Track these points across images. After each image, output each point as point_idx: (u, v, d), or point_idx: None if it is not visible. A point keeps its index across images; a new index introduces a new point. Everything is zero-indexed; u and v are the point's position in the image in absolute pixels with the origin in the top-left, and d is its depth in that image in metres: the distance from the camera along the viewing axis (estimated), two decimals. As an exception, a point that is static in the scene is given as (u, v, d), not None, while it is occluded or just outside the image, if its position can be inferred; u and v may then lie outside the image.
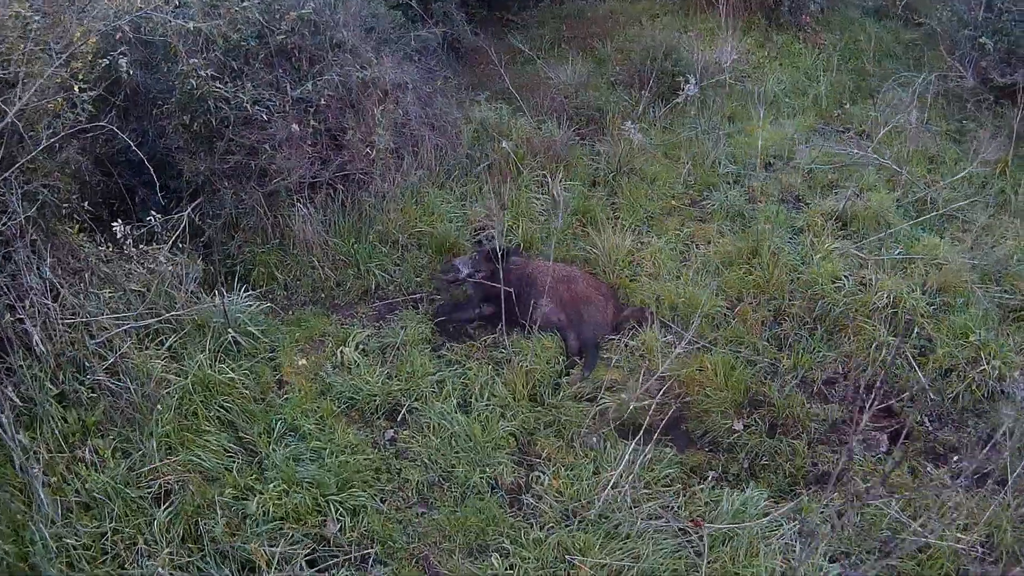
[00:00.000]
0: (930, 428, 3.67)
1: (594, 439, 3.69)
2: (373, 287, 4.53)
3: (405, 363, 3.96)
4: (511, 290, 4.11)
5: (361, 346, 4.06)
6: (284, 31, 4.27)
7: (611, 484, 3.30)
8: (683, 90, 5.25)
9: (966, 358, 3.74)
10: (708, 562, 3.03)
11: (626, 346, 4.15)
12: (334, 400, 3.75)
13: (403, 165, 4.89)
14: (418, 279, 4.62)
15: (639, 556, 3.08)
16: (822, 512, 3.31)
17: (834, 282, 4.25)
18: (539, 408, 3.83)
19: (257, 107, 4.17)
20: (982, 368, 3.65)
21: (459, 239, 4.80)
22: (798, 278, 4.33)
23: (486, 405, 3.78)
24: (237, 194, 4.33)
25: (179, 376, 3.57)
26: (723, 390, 3.84)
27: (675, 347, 4.10)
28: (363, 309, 4.42)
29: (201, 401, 3.52)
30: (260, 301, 4.17)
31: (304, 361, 3.91)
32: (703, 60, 5.90)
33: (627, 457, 3.38)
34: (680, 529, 3.23)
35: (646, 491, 3.38)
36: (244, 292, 4.14)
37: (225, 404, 3.57)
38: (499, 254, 4.32)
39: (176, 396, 3.50)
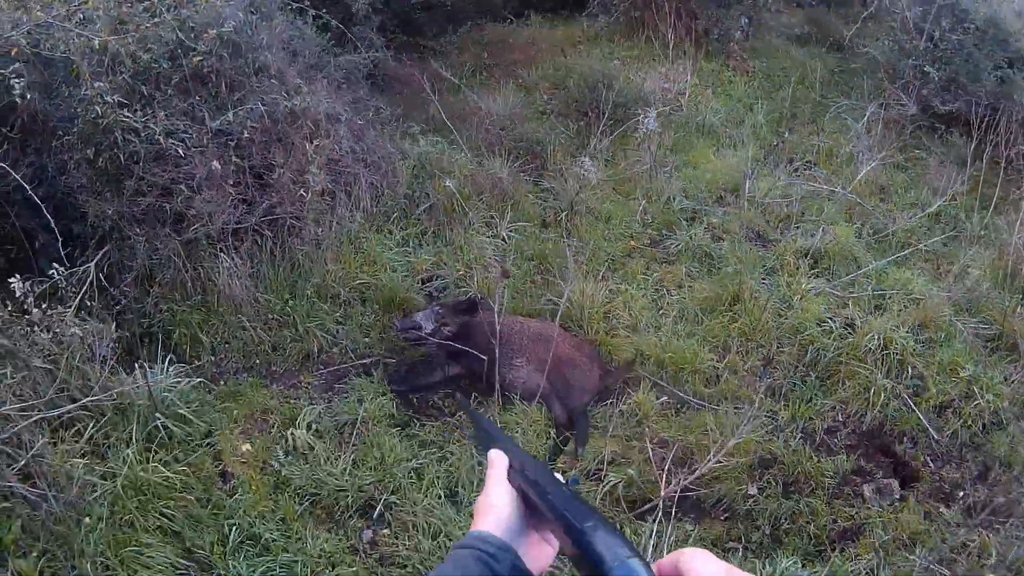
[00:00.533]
0: (933, 467, 4.28)
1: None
2: (315, 351, 4.48)
3: (371, 447, 3.92)
4: (485, 349, 4.19)
5: (314, 425, 3.99)
6: (201, 52, 4.15)
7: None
8: (642, 122, 5.70)
9: (958, 393, 4.37)
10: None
11: (620, 412, 4.45)
12: (294, 496, 3.66)
13: (338, 208, 4.88)
14: (366, 340, 4.59)
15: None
16: (853, 571, 3.81)
17: (819, 324, 4.81)
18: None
19: (171, 140, 4.03)
20: (976, 402, 4.31)
21: (408, 291, 4.83)
22: (783, 323, 4.85)
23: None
24: (150, 242, 4.21)
25: (106, 479, 3.42)
26: (732, 453, 4.24)
27: (672, 409, 4.53)
28: (307, 378, 4.35)
29: (136, 508, 3.38)
30: (187, 374, 4.02)
31: (248, 447, 3.78)
32: (653, 90, 6.40)
33: (650, 541, 3.68)
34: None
35: None
36: (168, 362, 3.99)
37: (165, 510, 3.43)
38: (467, 306, 4.41)
39: (106, 503, 3.34)
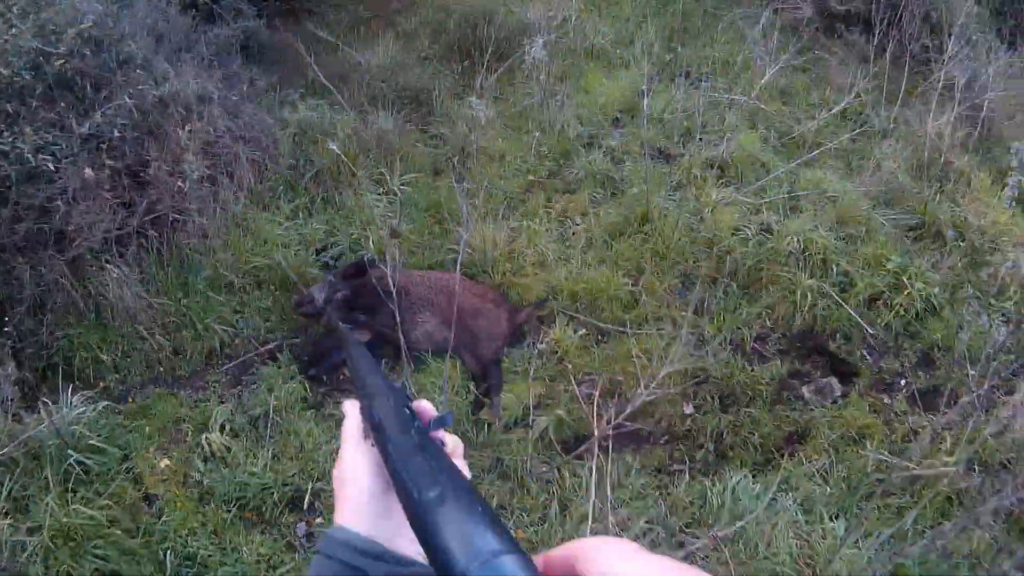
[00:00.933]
0: (871, 360, 4.24)
1: (544, 469, 3.75)
2: (218, 346, 4.33)
3: (288, 435, 3.85)
4: (380, 309, 4.08)
5: (227, 426, 3.87)
6: (63, 55, 4.03)
7: (589, 517, 3.38)
8: (528, 54, 5.50)
9: (887, 285, 4.40)
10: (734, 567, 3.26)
11: (539, 352, 4.26)
12: (220, 505, 3.58)
13: (220, 192, 4.69)
14: (267, 324, 4.46)
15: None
16: (805, 474, 3.72)
17: (734, 233, 4.73)
18: (471, 451, 3.80)
19: (41, 156, 3.88)
20: (906, 292, 4.31)
21: (303, 266, 4.65)
22: (697, 237, 4.76)
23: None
24: (35, 268, 4.06)
25: (33, 534, 3.31)
26: (663, 383, 4.10)
27: (593, 341, 4.35)
28: (213, 376, 4.22)
29: (70, 556, 3.28)
30: (93, 399, 3.88)
31: (167, 462, 3.70)
32: (537, 19, 6.21)
33: (592, 479, 3.48)
34: (679, 543, 3.43)
35: (625, 512, 3.52)
36: (71, 391, 3.82)
37: (98, 551, 3.32)
38: (355, 269, 4.24)
39: (38, 559, 3.26)
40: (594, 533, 3.35)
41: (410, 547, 0.86)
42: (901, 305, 4.30)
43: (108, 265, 4.19)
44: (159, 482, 3.63)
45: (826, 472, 3.73)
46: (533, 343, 4.35)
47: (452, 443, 0.95)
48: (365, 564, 0.82)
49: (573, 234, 4.99)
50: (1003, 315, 4.25)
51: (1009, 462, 3.66)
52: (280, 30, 6.55)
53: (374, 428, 0.86)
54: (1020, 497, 3.47)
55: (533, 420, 3.91)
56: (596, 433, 3.55)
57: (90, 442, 3.62)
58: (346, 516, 0.86)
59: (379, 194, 5.14)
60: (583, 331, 4.36)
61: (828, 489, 3.66)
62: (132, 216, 4.29)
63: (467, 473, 0.92)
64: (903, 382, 4.12)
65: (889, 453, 3.77)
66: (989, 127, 5.29)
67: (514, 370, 4.23)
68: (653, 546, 3.41)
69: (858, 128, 5.60)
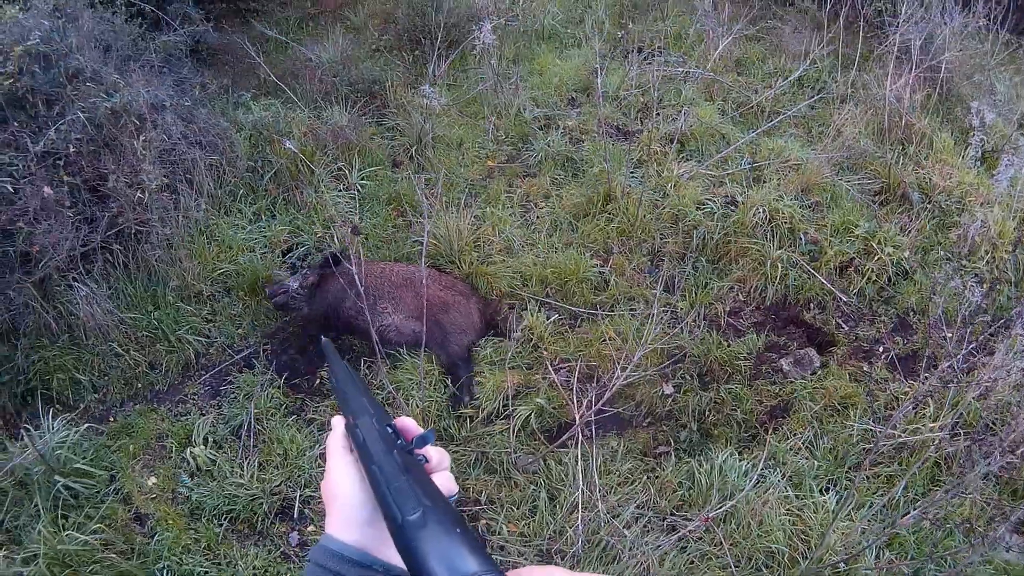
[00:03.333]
0: (847, 328, 4.16)
1: (530, 460, 3.59)
2: (193, 357, 4.23)
3: (271, 443, 3.76)
4: (341, 300, 4.06)
5: (210, 438, 3.76)
6: (11, 74, 3.96)
7: (579, 506, 3.23)
8: (478, 38, 5.29)
9: (856, 252, 4.30)
10: (728, 547, 3.15)
11: (514, 341, 4.09)
12: (211, 519, 3.48)
13: (181, 200, 4.55)
14: (240, 331, 4.35)
15: None
16: (791, 448, 3.62)
17: (699, 207, 4.61)
18: (455, 447, 3.66)
19: None
20: (877, 257, 4.22)
21: (270, 269, 4.50)
22: (662, 213, 4.62)
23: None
24: (3, 293, 3.98)
25: (29, 564, 3.19)
26: (639, 364, 3.97)
27: (566, 326, 4.20)
28: (191, 388, 4.11)
29: None
30: (74, 422, 3.77)
31: (154, 479, 3.60)
32: (486, 4, 6.02)
33: (578, 468, 3.34)
34: (671, 526, 3.31)
35: (614, 498, 3.38)
36: (52, 415, 3.71)
37: None
38: (323, 264, 4.14)
39: None
40: (585, 522, 3.21)
41: (397, 555, 0.81)
42: (873, 271, 4.21)
43: (76, 283, 4.05)
44: (149, 500, 3.50)
45: (812, 445, 3.63)
46: (506, 333, 4.18)
47: (437, 456, 0.93)
48: (355, 574, 0.82)
49: (537, 218, 4.84)
50: (976, 276, 4.20)
51: (993, 424, 3.60)
52: (228, 32, 6.39)
53: (358, 447, 0.86)
54: (1009, 461, 3.42)
55: (514, 410, 3.75)
56: (578, 420, 3.42)
57: (76, 466, 3.49)
58: (335, 526, 0.87)
59: (340, 190, 4.98)
60: (555, 316, 4.20)
61: (816, 463, 3.55)
62: (95, 231, 4.14)
63: (453, 487, 0.92)
64: (881, 349, 4.03)
65: (873, 422, 3.69)
66: (948, 88, 5.23)
67: (491, 360, 4.05)
68: (644, 532, 3.29)
69: (816, 95, 5.50)
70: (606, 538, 3.21)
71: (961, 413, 3.62)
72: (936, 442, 3.49)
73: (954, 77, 5.24)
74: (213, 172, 4.80)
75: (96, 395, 4.04)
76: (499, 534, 3.31)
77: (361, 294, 3.43)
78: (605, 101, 5.67)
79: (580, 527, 3.17)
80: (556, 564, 3.18)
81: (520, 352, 4.05)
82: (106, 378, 4.07)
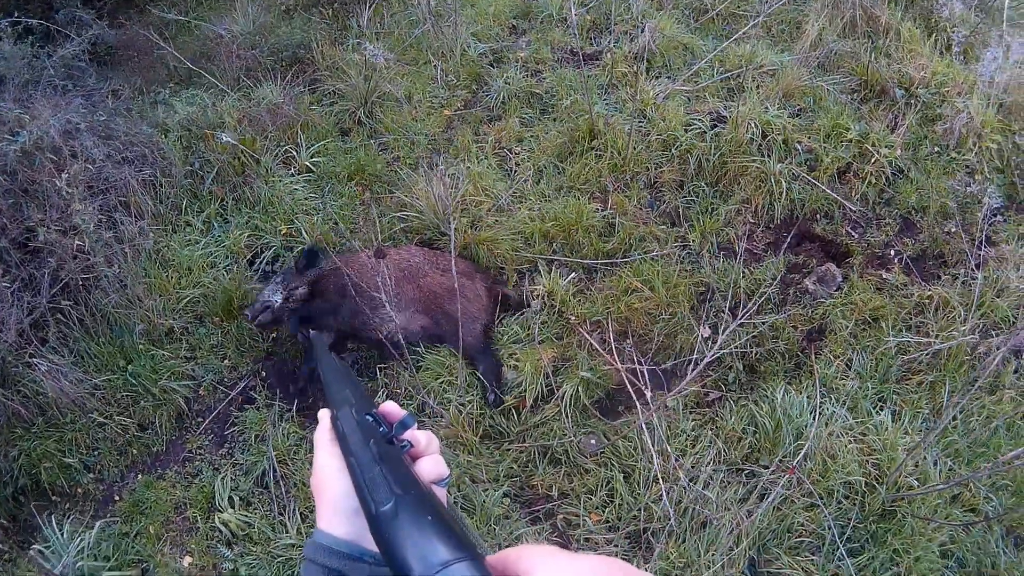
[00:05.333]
0: (856, 236, 4.11)
1: (593, 441, 3.43)
2: (184, 405, 3.76)
3: (305, 487, 3.33)
4: (344, 300, 3.66)
5: (235, 497, 3.33)
6: None
7: (659, 478, 3.12)
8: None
9: (852, 156, 4.20)
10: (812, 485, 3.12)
11: (535, 312, 3.84)
12: None
13: (123, 230, 3.98)
14: (226, 362, 3.87)
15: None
16: (835, 375, 3.60)
17: (687, 129, 4.38)
18: (507, 444, 3.46)
19: None
20: (873, 159, 4.14)
21: (240, 282, 4.00)
22: (651, 140, 4.36)
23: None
24: None
25: None
26: (669, 303, 3.82)
27: (584, 283, 3.98)
28: (192, 442, 3.66)
29: None
30: (78, 519, 3.39)
31: (189, 559, 3.22)
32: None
33: (645, 439, 3.21)
34: (748, 475, 3.26)
35: (689, 463, 3.29)
36: (60, 517, 3.34)
37: None
38: (306, 260, 3.70)
39: None
40: (669, 493, 3.12)
41: None
42: (871, 174, 4.15)
43: (34, 359, 3.58)
44: None
45: (849, 364, 3.64)
46: (524, 306, 3.91)
47: (425, 440, 0.89)
48: (347, 567, 0.81)
49: (517, 165, 4.50)
50: (967, 167, 4.19)
51: (1016, 318, 3.67)
52: (126, 25, 5.67)
53: (339, 439, 0.85)
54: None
55: (559, 388, 3.55)
56: (649, 399, 3.25)
57: (105, 575, 3.07)
58: (325, 520, 0.84)
59: (293, 175, 4.47)
60: (572, 275, 3.97)
61: (864, 383, 3.55)
62: (38, 295, 3.66)
63: (444, 470, 0.87)
64: (892, 253, 4.02)
65: (906, 330, 3.70)
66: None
67: (518, 339, 3.79)
68: (723, 489, 3.23)
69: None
70: (691, 506, 3.14)
71: (985, 313, 3.68)
72: (968, 345, 3.54)
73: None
74: (149, 188, 4.24)
75: (91, 475, 3.60)
76: (583, 526, 3.17)
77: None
78: (552, 24, 5.28)
79: (666, 502, 3.08)
80: (651, 546, 3.10)
81: (546, 323, 3.81)
82: (96, 453, 3.64)
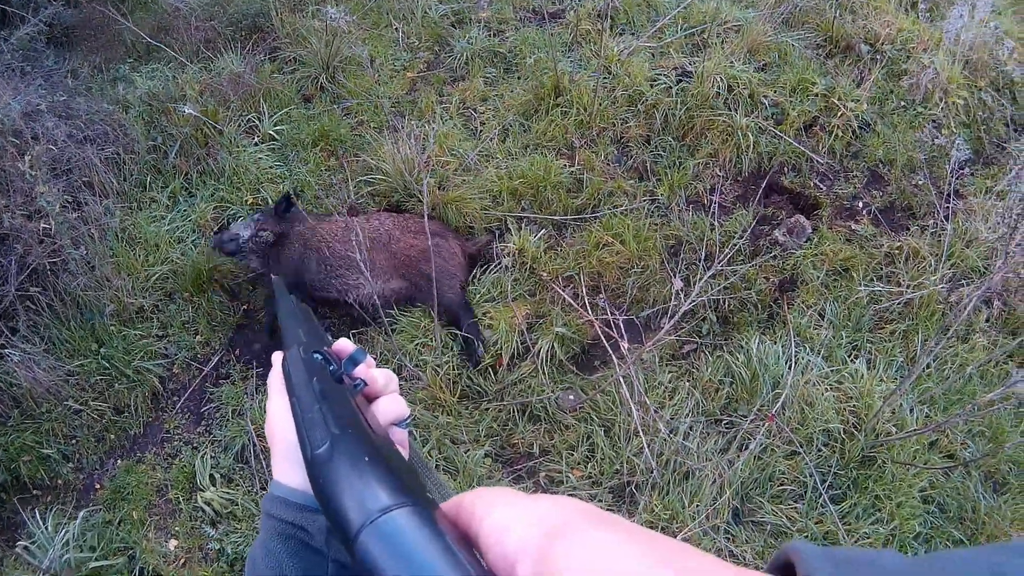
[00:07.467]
0: (824, 188, 4.02)
1: (571, 397, 3.29)
2: (159, 385, 3.60)
3: None
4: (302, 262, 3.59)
5: (216, 475, 3.19)
6: None
7: (640, 431, 2.99)
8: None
9: (818, 110, 4.09)
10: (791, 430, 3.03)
11: (506, 269, 3.68)
12: None
13: (88, 209, 3.79)
14: (199, 338, 3.71)
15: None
16: (807, 324, 3.51)
17: (653, 85, 4.23)
18: (485, 403, 3.30)
19: None
20: (839, 113, 4.04)
21: (209, 255, 3.80)
22: (616, 96, 4.21)
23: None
24: None
25: None
26: (640, 256, 3.69)
27: (554, 239, 3.84)
28: (170, 422, 3.49)
29: None
30: (62, 510, 3.26)
31: (174, 542, 3.07)
32: None
33: (623, 392, 3.08)
34: (727, 426, 3.16)
35: (668, 413, 3.17)
36: (41, 515, 3.17)
37: None
38: (285, 203, 3.63)
39: None
40: (650, 446, 3.00)
41: None
42: (838, 127, 4.05)
43: (5, 349, 3.45)
44: (179, 569, 2.98)
45: (820, 314, 3.55)
46: (496, 262, 3.74)
47: (383, 379, 0.80)
48: (302, 519, 0.73)
49: (482, 123, 4.32)
50: (934, 121, 4.12)
51: (986, 268, 3.61)
52: (83, 3, 5.34)
53: (285, 379, 0.77)
54: (1005, 302, 3.47)
55: (534, 344, 3.40)
56: (600, 336, 3.14)
57: (93, 565, 2.97)
58: (279, 470, 0.76)
59: (257, 144, 4.24)
60: (542, 231, 3.81)
61: (837, 331, 3.47)
62: (6, 283, 3.49)
63: (404, 410, 0.80)
64: (860, 204, 3.94)
65: (877, 280, 3.63)
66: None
67: (490, 297, 3.63)
68: (703, 440, 3.12)
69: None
70: (672, 457, 3.03)
71: (955, 263, 3.62)
72: (939, 294, 3.48)
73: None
74: (112, 166, 4.04)
75: (71, 464, 3.43)
76: (566, 483, 3.04)
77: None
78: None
79: (647, 454, 2.96)
80: (635, 499, 2.98)
81: (518, 280, 3.66)
82: (74, 442, 3.46)
